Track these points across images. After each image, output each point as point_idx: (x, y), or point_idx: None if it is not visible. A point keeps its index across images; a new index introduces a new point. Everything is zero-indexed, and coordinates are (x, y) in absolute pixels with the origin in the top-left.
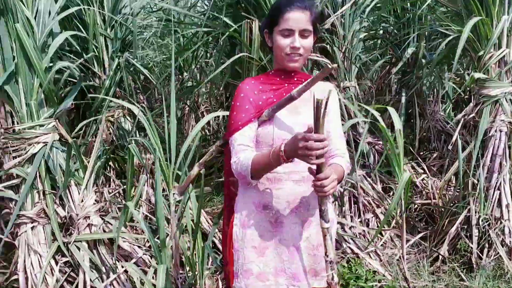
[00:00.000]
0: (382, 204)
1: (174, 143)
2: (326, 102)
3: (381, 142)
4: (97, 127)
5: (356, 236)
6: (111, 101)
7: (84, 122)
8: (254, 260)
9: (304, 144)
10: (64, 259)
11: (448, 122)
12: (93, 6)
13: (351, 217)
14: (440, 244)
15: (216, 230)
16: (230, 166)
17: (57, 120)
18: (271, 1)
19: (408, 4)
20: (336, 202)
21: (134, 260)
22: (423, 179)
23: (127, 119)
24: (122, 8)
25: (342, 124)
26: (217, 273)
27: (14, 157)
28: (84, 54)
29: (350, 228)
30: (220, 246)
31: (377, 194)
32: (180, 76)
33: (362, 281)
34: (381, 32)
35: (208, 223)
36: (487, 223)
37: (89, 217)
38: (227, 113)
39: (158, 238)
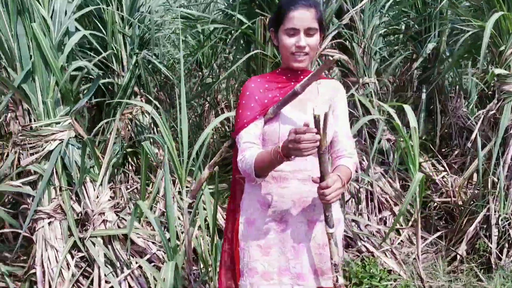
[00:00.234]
0: (400, 202)
1: (186, 139)
2: (325, 116)
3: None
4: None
5: (373, 234)
6: (129, 98)
7: (104, 120)
8: (259, 258)
9: (294, 137)
10: (80, 254)
11: (470, 119)
12: (112, 5)
13: (368, 215)
14: (459, 243)
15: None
16: (237, 164)
17: (73, 117)
18: None
19: None
20: (353, 199)
21: (147, 256)
22: (443, 177)
23: (145, 116)
24: (140, 6)
25: (356, 121)
26: None
27: (32, 154)
28: (103, 52)
29: (365, 226)
30: None
31: (395, 192)
32: (200, 73)
33: (376, 280)
34: (403, 27)
35: (224, 219)
36: (507, 222)
37: (104, 213)
38: None
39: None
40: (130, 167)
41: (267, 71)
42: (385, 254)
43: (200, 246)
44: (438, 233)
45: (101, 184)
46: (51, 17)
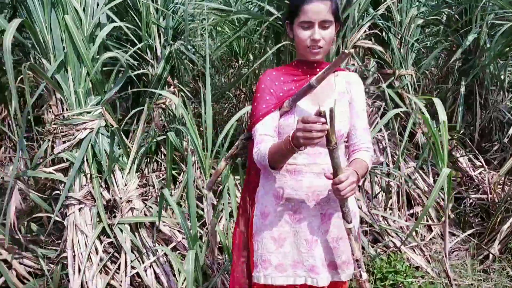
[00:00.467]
0: (447, 194)
1: (211, 130)
2: (332, 112)
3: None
4: (149, 113)
5: (402, 231)
6: (162, 88)
7: (134, 110)
8: (273, 251)
9: (302, 125)
10: (108, 240)
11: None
12: None
13: (399, 209)
14: (492, 242)
15: None
16: (252, 158)
17: (103, 107)
18: None
19: None
20: (383, 193)
21: (173, 244)
22: (480, 173)
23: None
24: None
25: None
26: None
27: (64, 142)
28: (138, 43)
29: (394, 221)
30: None
31: (427, 187)
32: (236, 63)
33: (401, 276)
34: (444, 18)
35: None
36: None
37: (131, 201)
38: None
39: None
40: (163, 156)
41: None
42: (413, 250)
43: (225, 236)
44: (470, 231)
45: (129, 173)
46: (84, 9)
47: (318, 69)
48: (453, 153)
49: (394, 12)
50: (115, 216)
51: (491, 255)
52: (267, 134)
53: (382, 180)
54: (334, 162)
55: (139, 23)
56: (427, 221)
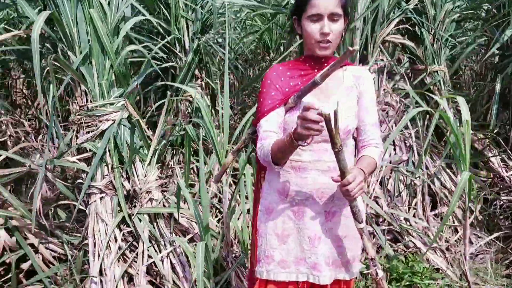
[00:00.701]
0: (460, 198)
1: (227, 124)
2: (335, 114)
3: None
4: (177, 106)
5: (425, 232)
6: (190, 81)
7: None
8: (276, 247)
9: (303, 113)
10: (128, 229)
11: None
12: None
13: (423, 208)
14: None
15: None
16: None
17: (126, 99)
18: None
19: None
20: (406, 191)
21: (190, 236)
22: None
23: (205, 99)
24: None
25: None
26: None
27: (87, 132)
28: (167, 36)
29: (416, 222)
30: None
31: (455, 186)
32: (267, 57)
33: (417, 278)
34: (483, 13)
35: None
36: None
37: (150, 191)
38: None
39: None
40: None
41: None
42: (435, 251)
43: (240, 229)
44: (497, 234)
45: (149, 164)
46: (108, 3)
47: (326, 64)
48: (485, 152)
49: (428, 6)
50: (135, 206)
51: None
52: (271, 131)
53: (408, 179)
54: (341, 164)
55: (168, 16)
56: (453, 222)
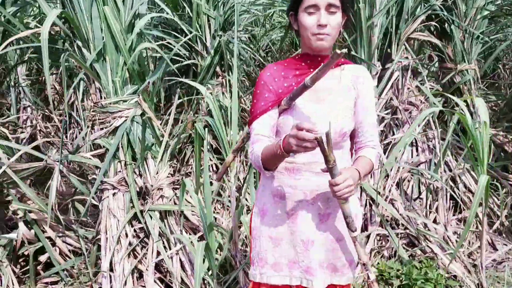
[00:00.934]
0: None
1: (236, 122)
2: (328, 135)
3: (501, 133)
4: (198, 103)
5: (444, 239)
6: (211, 78)
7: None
8: (270, 250)
9: (296, 132)
10: (139, 225)
11: None
12: None
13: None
14: None
15: None
16: None
17: (140, 96)
18: None
19: None
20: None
21: (200, 234)
22: None
23: (225, 96)
24: None
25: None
26: None
27: (101, 129)
28: (189, 34)
29: (435, 229)
30: None
31: None
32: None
33: (430, 285)
34: None
35: None
36: None
37: (162, 188)
38: None
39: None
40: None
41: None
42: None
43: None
44: None
45: (161, 161)
46: (123, 1)
47: (322, 63)
48: None
49: (459, 2)
50: (147, 203)
51: None
52: (262, 134)
53: (429, 181)
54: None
55: (190, 13)
56: (477, 227)
